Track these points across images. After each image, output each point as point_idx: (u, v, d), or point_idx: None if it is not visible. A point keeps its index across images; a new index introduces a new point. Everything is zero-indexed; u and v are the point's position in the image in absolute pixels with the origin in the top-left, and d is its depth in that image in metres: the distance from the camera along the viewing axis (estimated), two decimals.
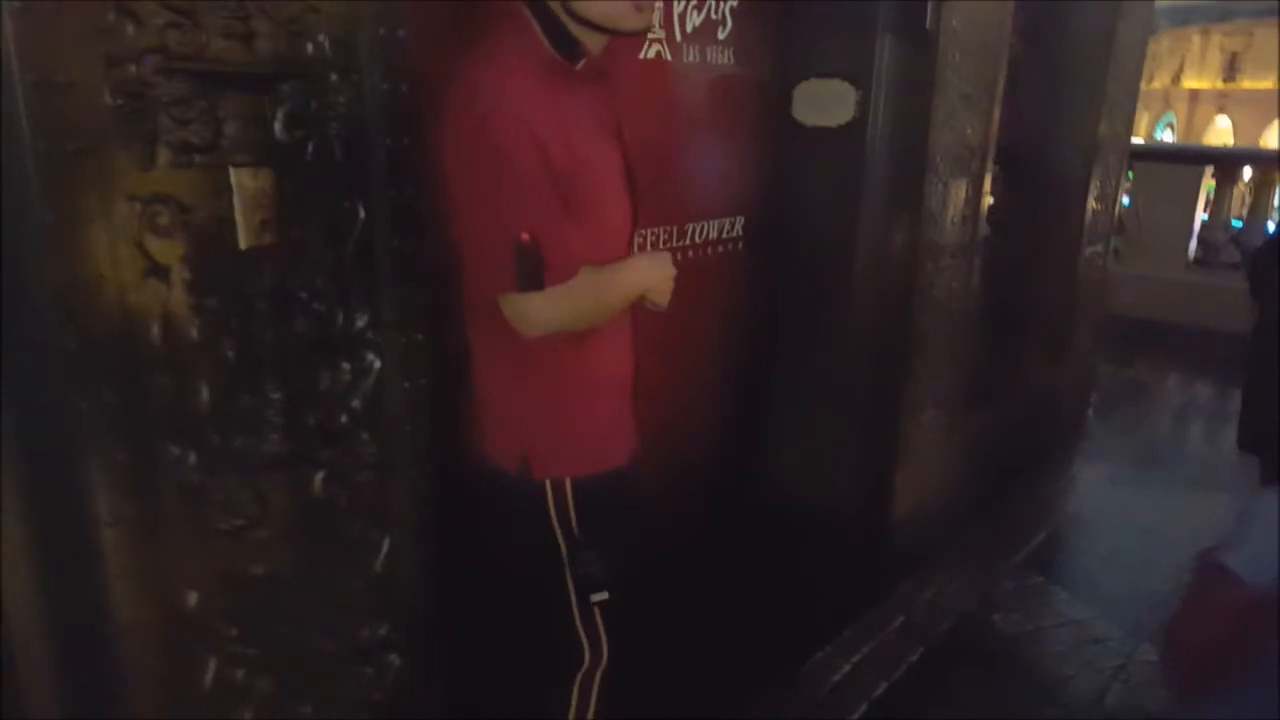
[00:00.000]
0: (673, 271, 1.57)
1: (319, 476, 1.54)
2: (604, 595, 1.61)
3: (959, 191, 3.11)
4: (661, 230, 2.49)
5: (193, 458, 1.40)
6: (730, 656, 2.38)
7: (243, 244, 1.38)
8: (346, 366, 1.53)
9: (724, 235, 2.93)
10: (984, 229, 3.29)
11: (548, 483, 1.57)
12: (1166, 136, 28.81)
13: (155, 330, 1.33)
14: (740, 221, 2.97)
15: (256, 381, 1.44)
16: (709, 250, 2.84)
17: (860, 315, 3.00)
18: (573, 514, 1.57)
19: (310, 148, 1.42)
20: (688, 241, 2.60)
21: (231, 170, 1.35)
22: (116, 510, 1.34)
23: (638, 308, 1.59)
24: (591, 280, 1.46)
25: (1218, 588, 1.33)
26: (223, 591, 1.47)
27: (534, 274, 1.38)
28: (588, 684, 1.67)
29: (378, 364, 1.56)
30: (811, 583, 2.80)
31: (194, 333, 1.36)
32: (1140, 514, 3.41)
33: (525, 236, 1.36)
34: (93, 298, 1.26)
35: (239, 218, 1.37)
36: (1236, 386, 4.68)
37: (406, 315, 1.59)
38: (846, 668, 2.46)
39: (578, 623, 1.64)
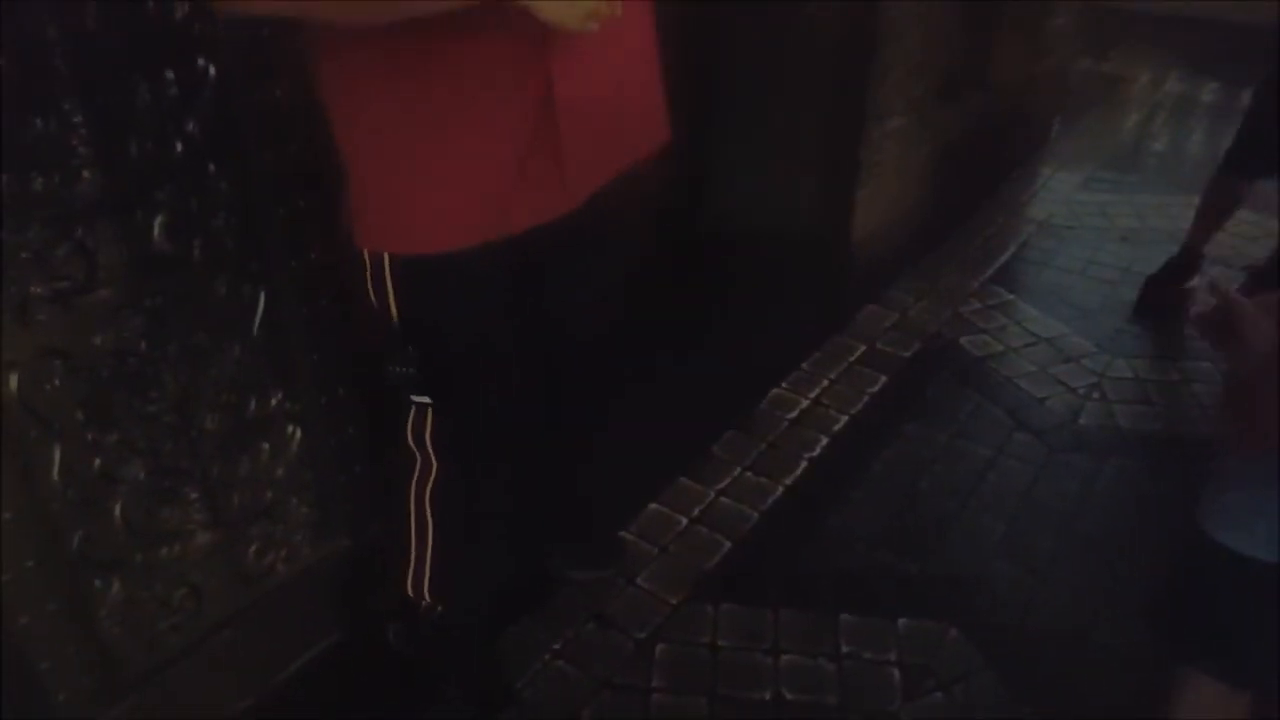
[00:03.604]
0: None
1: (157, 224, 1.21)
2: (425, 399, 1.33)
3: None
4: None
5: None
6: (686, 396, 2.21)
7: None
8: (171, 76, 1.16)
9: None
10: None
11: (365, 253, 1.23)
12: None
13: None
14: None
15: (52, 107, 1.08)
16: None
17: (819, 3, 2.59)
18: (391, 299, 1.24)
19: None
20: None
21: None
22: None
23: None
24: None
25: None
26: (53, 371, 1.18)
27: None
28: (420, 494, 1.43)
29: (212, 71, 1.19)
30: (768, 313, 2.59)
31: None
32: (1117, 220, 3.19)
33: None
34: None
35: None
36: (1217, 80, 4.42)
37: None
38: (805, 402, 2.30)
39: (408, 426, 1.38)
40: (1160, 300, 2.67)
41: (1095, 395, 2.35)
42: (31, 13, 1.02)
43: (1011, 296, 2.75)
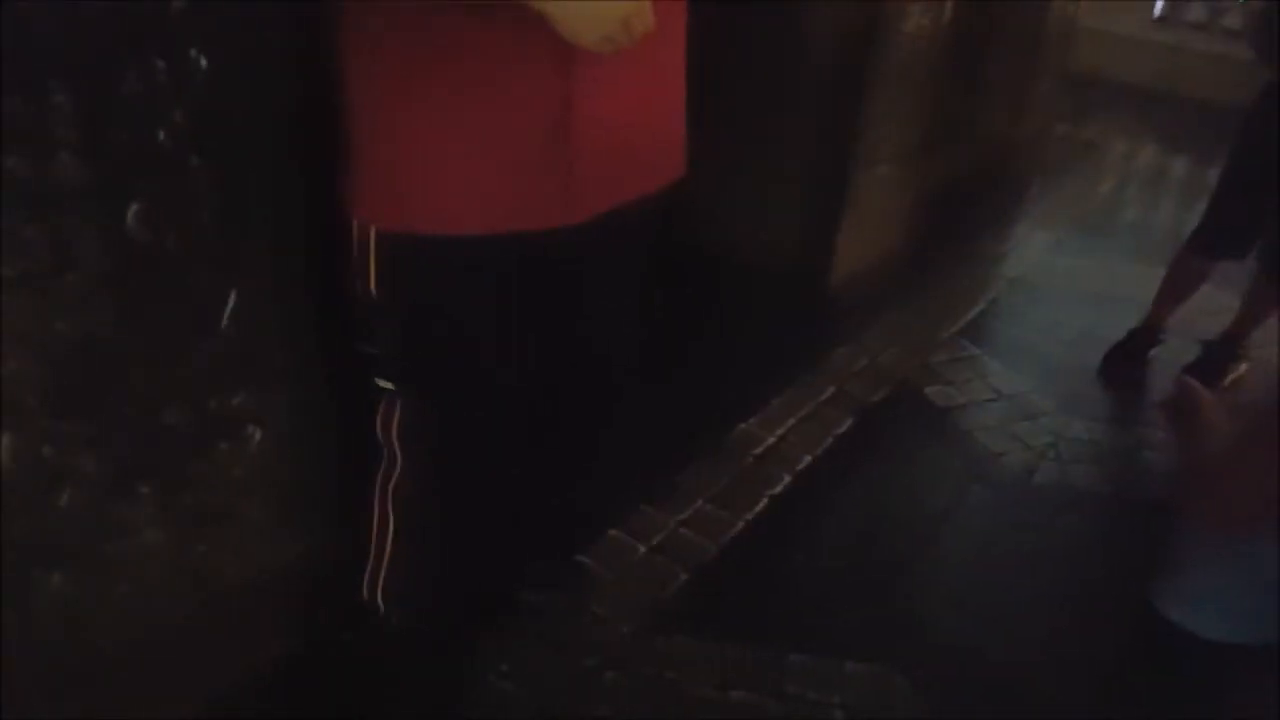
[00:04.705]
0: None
1: (132, 212, 1.19)
2: (389, 385, 1.33)
3: None
4: None
5: None
6: (653, 425, 2.19)
7: None
8: (161, 65, 1.15)
9: None
10: None
11: (354, 222, 1.24)
12: None
13: None
14: None
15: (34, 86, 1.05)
16: None
17: (816, 48, 2.63)
18: (372, 276, 1.24)
19: None
20: None
21: None
22: None
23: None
24: None
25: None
26: (16, 355, 1.15)
27: None
28: (384, 491, 1.42)
29: (204, 63, 1.17)
30: (741, 347, 2.59)
31: None
32: (1085, 283, 3.24)
33: None
34: None
35: None
36: (1187, 156, 4.52)
37: None
38: (771, 439, 2.30)
39: (378, 418, 1.37)
40: (1121, 369, 2.73)
41: (1051, 455, 2.38)
42: None
43: (978, 351, 2.78)
